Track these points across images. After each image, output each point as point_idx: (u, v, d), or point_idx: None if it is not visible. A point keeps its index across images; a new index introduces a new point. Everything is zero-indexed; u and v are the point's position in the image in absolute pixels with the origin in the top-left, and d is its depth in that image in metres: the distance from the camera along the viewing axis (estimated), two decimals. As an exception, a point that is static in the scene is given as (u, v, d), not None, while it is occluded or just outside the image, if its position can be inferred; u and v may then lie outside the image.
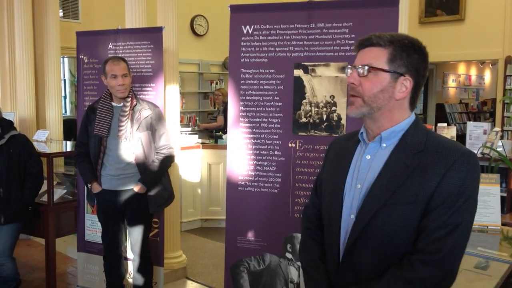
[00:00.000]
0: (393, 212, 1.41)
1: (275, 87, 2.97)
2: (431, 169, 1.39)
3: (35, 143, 4.51)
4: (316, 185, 1.77)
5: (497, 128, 4.68)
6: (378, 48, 1.45)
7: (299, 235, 2.99)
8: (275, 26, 2.95)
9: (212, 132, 6.98)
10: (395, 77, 1.44)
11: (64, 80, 8.97)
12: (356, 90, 1.47)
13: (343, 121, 2.84)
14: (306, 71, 2.90)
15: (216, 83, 9.75)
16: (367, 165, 1.51)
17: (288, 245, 2.97)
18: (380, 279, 1.42)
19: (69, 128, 6.24)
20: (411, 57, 1.44)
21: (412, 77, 1.46)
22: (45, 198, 3.92)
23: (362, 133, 1.56)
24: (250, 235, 3.05)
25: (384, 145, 1.49)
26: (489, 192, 2.79)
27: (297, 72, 2.91)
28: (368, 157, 1.51)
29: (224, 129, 6.75)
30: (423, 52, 1.47)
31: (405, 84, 1.45)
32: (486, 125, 4.78)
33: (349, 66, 1.50)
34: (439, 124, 5.18)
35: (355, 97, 1.48)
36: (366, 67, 1.45)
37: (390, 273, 1.41)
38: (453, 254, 1.36)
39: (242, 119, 3.05)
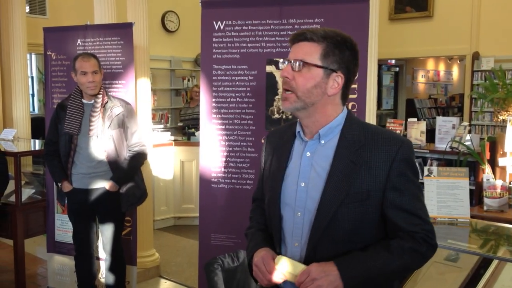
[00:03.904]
0: (350, 210, 1.44)
1: (248, 83, 2.96)
2: (376, 163, 1.44)
3: (1, 142, 4.41)
4: (259, 185, 1.76)
5: (466, 123, 4.78)
6: (312, 43, 1.47)
7: (273, 231, 3.00)
8: (247, 22, 2.94)
9: (184, 129, 6.92)
10: (328, 73, 1.47)
11: (32, 78, 8.77)
12: (289, 85, 1.48)
13: (316, 117, 2.84)
14: (278, 67, 2.90)
15: (188, 80, 9.68)
16: (308, 162, 1.51)
17: (262, 242, 2.97)
18: (383, 248, 1.44)
19: (37, 127, 6.10)
20: (343, 54, 1.47)
21: (344, 73, 1.48)
22: (12, 198, 3.82)
23: (299, 132, 1.56)
24: (224, 232, 3.04)
25: (323, 141, 1.50)
26: (458, 186, 2.84)
27: (269, 68, 2.91)
28: (308, 154, 1.52)
29: None
30: (354, 50, 1.50)
31: (337, 80, 1.48)
32: (455, 120, 4.87)
33: (283, 60, 1.52)
34: (409, 119, 5.26)
35: (289, 92, 1.49)
36: (300, 62, 1.46)
37: (397, 243, 1.44)
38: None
39: (215, 116, 3.03)
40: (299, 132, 1.56)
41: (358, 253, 1.44)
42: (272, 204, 1.57)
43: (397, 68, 11.84)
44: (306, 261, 1.49)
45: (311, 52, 1.46)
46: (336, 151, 1.47)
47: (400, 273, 1.56)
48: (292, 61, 1.47)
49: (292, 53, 1.49)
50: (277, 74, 2.90)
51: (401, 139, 1.49)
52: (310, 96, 1.47)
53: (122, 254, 3.44)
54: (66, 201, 3.37)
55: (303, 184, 1.50)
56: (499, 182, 3.50)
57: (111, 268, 3.38)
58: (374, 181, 1.44)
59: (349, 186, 1.43)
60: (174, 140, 6.15)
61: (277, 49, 2.90)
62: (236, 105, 2.98)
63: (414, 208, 1.46)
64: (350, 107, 2.72)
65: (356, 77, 1.57)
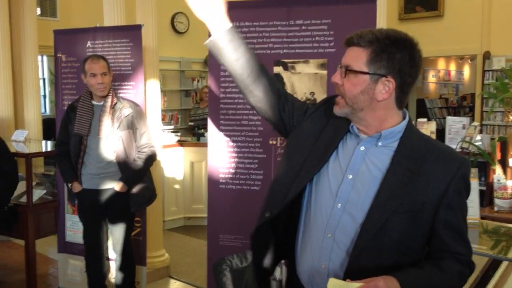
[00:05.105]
0: (401, 220, 1.39)
1: (256, 84, 2.96)
2: (435, 176, 1.41)
3: (13, 143, 4.45)
4: (290, 99, 1.66)
5: (476, 123, 4.73)
6: (358, 48, 1.42)
7: (281, 232, 3.00)
8: (254, 23, 2.94)
9: (194, 130, 6.94)
10: (375, 79, 1.41)
11: (43, 79, 8.85)
12: (339, 90, 1.47)
13: (324, 118, 2.84)
14: (285, 68, 2.90)
15: (198, 81, 9.70)
16: (360, 156, 1.46)
17: (270, 242, 2.97)
18: (436, 268, 1.41)
19: (48, 128, 6.15)
20: (392, 57, 1.40)
21: (395, 77, 1.41)
22: (24, 199, 3.86)
23: (352, 126, 1.51)
24: (232, 233, 3.05)
25: (380, 143, 1.46)
26: (468, 186, 2.82)
27: (277, 69, 2.91)
28: (363, 148, 1.47)
29: None
30: (408, 51, 1.42)
31: (387, 85, 1.41)
32: (465, 120, 4.82)
33: (338, 64, 1.48)
34: (419, 119, 5.21)
35: (340, 97, 1.47)
36: (345, 69, 1.44)
37: (448, 264, 1.41)
38: None
39: (223, 117, 3.04)
40: (352, 126, 1.51)
41: (415, 270, 1.39)
42: (303, 179, 1.51)
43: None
44: (349, 268, 1.42)
45: (357, 58, 1.42)
46: (394, 157, 1.43)
47: None
48: (340, 67, 1.46)
49: (343, 57, 1.47)
50: (285, 75, 2.90)
51: (462, 156, 1.48)
52: (358, 102, 1.43)
53: (132, 254, 3.46)
54: (76, 201, 3.40)
55: (351, 176, 1.45)
56: (510, 183, 3.47)
57: (121, 268, 3.40)
58: (431, 193, 1.40)
59: (404, 195, 1.39)
60: (184, 141, 6.17)
61: (284, 50, 2.90)
62: (244, 106, 2.98)
63: (463, 231, 1.45)
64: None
65: (416, 79, 1.49)
